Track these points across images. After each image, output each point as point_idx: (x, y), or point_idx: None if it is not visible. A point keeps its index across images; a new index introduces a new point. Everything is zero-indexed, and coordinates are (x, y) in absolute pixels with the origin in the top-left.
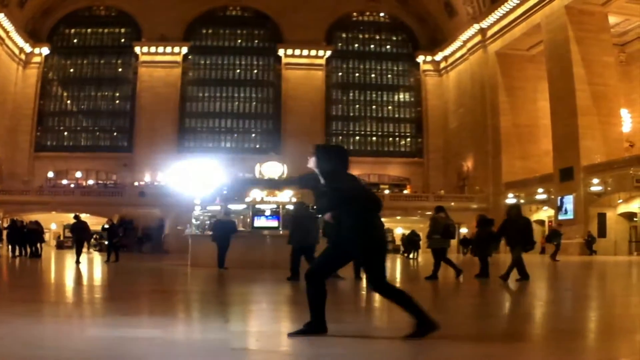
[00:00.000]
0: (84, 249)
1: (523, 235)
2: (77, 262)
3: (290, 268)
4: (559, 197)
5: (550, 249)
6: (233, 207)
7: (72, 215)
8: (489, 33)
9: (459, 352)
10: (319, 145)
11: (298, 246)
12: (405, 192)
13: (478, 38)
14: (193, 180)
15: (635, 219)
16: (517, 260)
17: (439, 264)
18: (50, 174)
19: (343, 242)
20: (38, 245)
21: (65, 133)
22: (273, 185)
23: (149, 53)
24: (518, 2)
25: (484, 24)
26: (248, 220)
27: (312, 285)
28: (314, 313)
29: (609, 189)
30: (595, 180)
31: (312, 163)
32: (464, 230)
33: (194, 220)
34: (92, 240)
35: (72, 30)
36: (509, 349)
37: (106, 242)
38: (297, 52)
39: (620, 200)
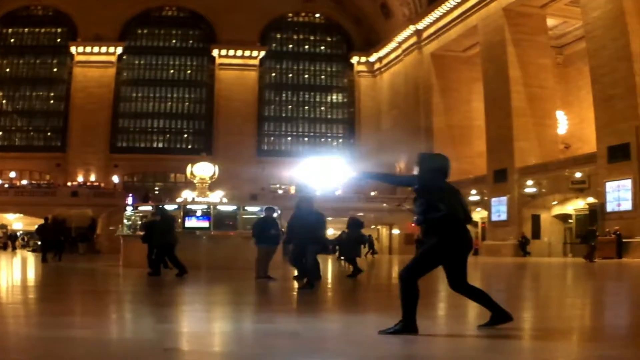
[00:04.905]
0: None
1: (313, 233)
2: (59, 259)
3: (150, 265)
4: (492, 199)
5: (582, 249)
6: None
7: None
8: (425, 35)
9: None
10: (422, 153)
11: (159, 245)
12: (336, 193)
13: (413, 39)
14: (319, 175)
15: (570, 221)
16: (313, 263)
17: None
18: None
19: (438, 247)
20: None
21: (0, 133)
22: (390, 180)
23: (84, 53)
24: (455, 4)
25: (420, 25)
26: (179, 220)
27: (406, 286)
28: (407, 313)
29: (543, 190)
30: (530, 182)
31: (415, 170)
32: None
33: (125, 221)
34: (20, 240)
35: (10, 30)
36: (444, 349)
37: (39, 243)
38: (231, 52)
39: (555, 202)
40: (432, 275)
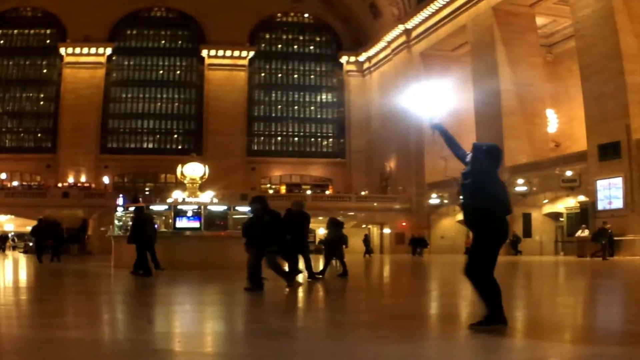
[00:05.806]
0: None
1: (268, 235)
2: (51, 260)
3: (140, 266)
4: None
5: (592, 247)
6: (155, 207)
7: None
8: (414, 34)
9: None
10: (476, 143)
11: (142, 245)
12: (327, 192)
13: (402, 39)
14: (424, 101)
15: (561, 219)
16: (254, 265)
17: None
18: None
19: (481, 237)
20: None
21: None
22: (451, 143)
23: (73, 54)
24: (444, 3)
25: (409, 25)
26: (170, 221)
27: (483, 283)
28: (491, 306)
29: (534, 189)
30: (520, 181)
31: (468, 158)
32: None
33: (116, 222)
34: (10, 242)
35: (0, 32)
36: (436, 348)
37: (31, 244)
38: (220, 52)
39: (546, 201)
40: (426, 275)
